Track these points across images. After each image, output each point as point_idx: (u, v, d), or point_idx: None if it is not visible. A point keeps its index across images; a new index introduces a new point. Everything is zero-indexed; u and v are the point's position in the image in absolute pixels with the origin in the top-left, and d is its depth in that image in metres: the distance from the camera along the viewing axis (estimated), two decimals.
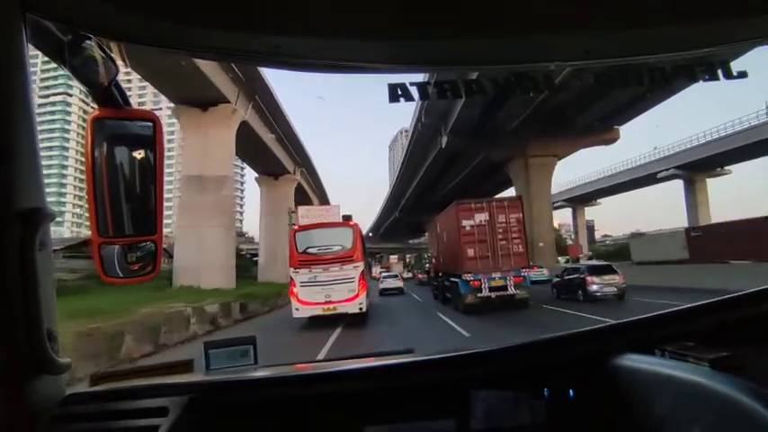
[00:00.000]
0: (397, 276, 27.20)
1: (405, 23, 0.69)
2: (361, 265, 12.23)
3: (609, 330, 1.01)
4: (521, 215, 13.76)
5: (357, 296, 11.88)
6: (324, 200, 63.76)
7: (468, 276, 12.98)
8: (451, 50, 0.75)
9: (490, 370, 0.97)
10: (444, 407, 0.92)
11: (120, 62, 0.84)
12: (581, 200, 58.94)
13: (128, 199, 0.82)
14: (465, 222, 13.68)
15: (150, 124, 0.82)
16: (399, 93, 0.76)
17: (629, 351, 0.86)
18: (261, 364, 1.21)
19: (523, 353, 1.01)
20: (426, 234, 60.31)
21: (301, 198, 54.17)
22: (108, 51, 0.80)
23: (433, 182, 43.00)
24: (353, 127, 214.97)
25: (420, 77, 0.79)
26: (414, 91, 0.76)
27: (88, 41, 0.75)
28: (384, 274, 28.47)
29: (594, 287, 13.87)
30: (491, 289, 13.02)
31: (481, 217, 13.74)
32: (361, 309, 11.81)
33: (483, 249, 13.43)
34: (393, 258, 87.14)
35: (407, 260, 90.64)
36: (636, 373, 0.82)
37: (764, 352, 0.79)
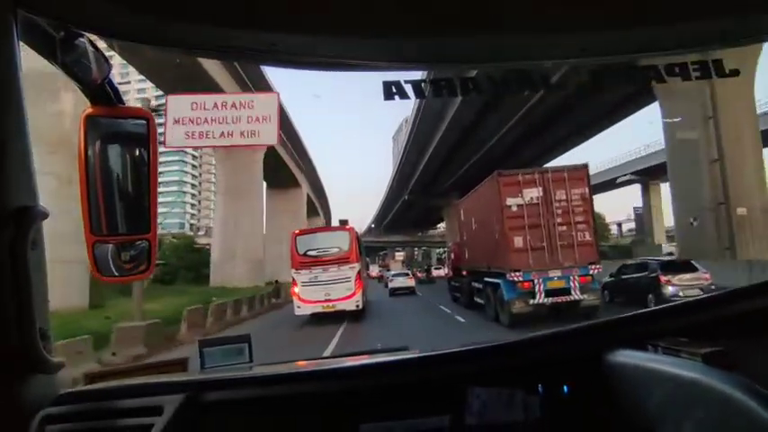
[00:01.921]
0: (407, 275, 27.06)
1: (402, 20, 0.74)
2: (357, 266, 14.04)
3: (602, 326, 1.08)
4: (586, 190, 11.03)
5: (354, 294, 13.60)
6: (313, 176, 56.45)
7: (516, 276, 10.50)
8: (448, 47, 0.80)
9: (484, 366, 1.04)
10: (439, 403, 0.99)
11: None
12: (658, 172, 39.80)
13: (121, 197, 0.87)
14: (510, 201, 11.00)
15: (144, 122, 0.87)
16: (394, 90, 0.80)
17: (622, 347, 0.92)
18: (256, 363, 1.28)
19: (517, 349, 1.07)
20: (444, 223, 53.17)
21: (279, 173, 45.06)
22: (100, 48, 0.84)
23: (467, 132, 29.92)
24: (353, 121, 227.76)
25: (415, 75, 0.83)
26: (408, 89, 0.80)
27: (80, 38, 0.80)
28: (393, 273, 28.72)
29: (672, 289, 11.57)
30: (548, 293, 10.36)
31: (532, 193, 10.95)
32: (357, 306, 13.58)
33: (536, 238, 10.67)
34: (399, 255, 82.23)
35: (415, 255, 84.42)
36: (629, 369, 0.87)
37: (756, 347, 0.85)
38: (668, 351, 0.86)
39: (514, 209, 10.70)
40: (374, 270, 47.18)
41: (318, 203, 67.18)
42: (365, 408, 1.00)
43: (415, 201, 49.74)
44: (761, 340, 0.86)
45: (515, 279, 10.24)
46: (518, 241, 10.54)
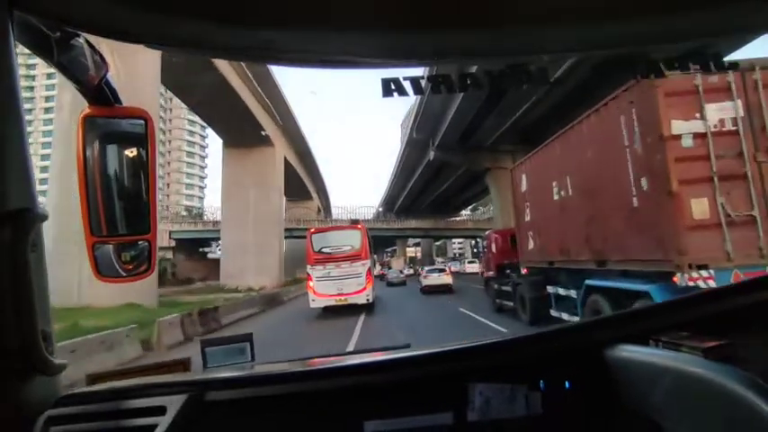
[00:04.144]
0: (444, 270, 25.86)
1: (400, 17, 0.75)
2: (368, 263, 15.85)
3: (604, 322, 1.12)
4: None
5: (365, 289, 15.23)
6: (297, 140, 44.08)
7: (700, 277, 5.21)
8: (447, 43, 0.81)
9: (486, 363, 1.07)
10: (442, 400, 1.03)
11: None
12: None
13: (121, 198, 0.90)
14: (680, 126, 5.55)
15: (142, 122, 0.90)
16: (393, 87, 0.81)
17: (623, 342, 0.95)
18: (258, 362, 1.34)
19: (519, 345, 1.11)
20: (491, 195, 35.59)
21: (237, 123, 32.24)
22: (98, 48, 0.88)
23: None
24: (358, 111, 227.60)
25: (414, 71, 0.84)
26: (407, 85, 0.81)
27: (77, 38, 0.82)
28: (427, 269, 27.55)
29: None
30: None
31: (723, 111, 5.51)
32: (368, 300, 15.29)
33: (736, 200, 5.38)
34: (410, 251, 73.05)
35: (431, 247, 73.60)
36: (631, 364, 0.90)
37: (757, 341, 0.87)
38: (669, 346, 0.89)
39: (688, 143, 5.52)
40: (377, 269, 45.00)
41: (311, 182, 55.63)
42: (369, 405, 1.03)
43: (445, 161, 34.38)
44: (762, 334, 0.89)
45: (697, 282, 5.10)
46: (698, 207, 5.43)
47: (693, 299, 1.06)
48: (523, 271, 11.17)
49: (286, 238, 43.61)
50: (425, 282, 24.48)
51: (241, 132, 33.88)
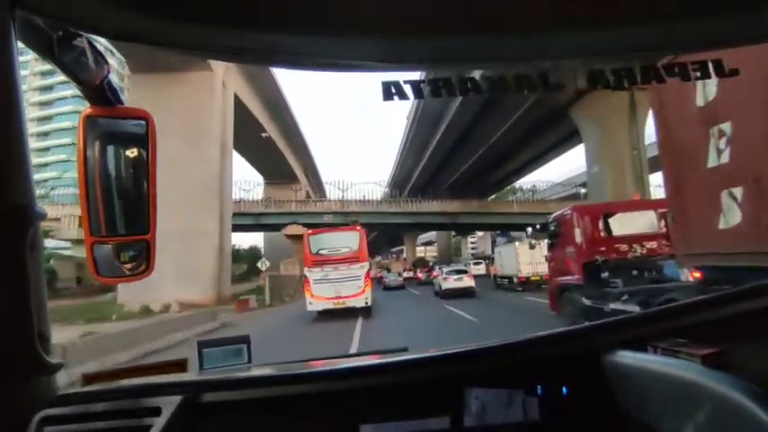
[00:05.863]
0: (466, 272, 23.24)
1: (401, 22, 0.77)
2: (366, 265, 16.04)
3: (602, 327, 1.12)
4: None
5: (363, 292, 15.32)
6: (263, 79, 33.21)
7: None
8: (448, 48, 0.83)
9: (484, 367, 1.09)
10: (439, 404, 1.04)
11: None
12: None
13: (120, 198, 0.92)
14: None
15: (143, 122, 0.92)
16: (393, 91, 0.83)
17: (621, 348, 0.97)
18: (254, 363, 1.35)
19: (517, 350, 1.13)
20: (584, 141, 25.56)
21: None
22: (99, 49, 0.90)
23: None
24: (359, 112, 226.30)
25: (414, 74, 0.86)
26: (408, 89, 0.83)
27: (79, 38, 0.85)
28: (446, 270, 24.42)
29: None
30: None
31: None
32: (366, 303, 15.35)
33: None
34: (419, 249, 66.24)
35: (449, 245, 62.89)
36: (628, 370, 0.92)
37: (755, 348, 0.89)
38: (667, 352, 0.90)
39: None
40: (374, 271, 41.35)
41: (293, 156, 46.59)
42: (365, 408, 1.04)
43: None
44: (758, 342, 0.91)
45: None
46: None
47: (691, 305, 1.09)
48: (691, 275, 6.35)
49: (251, 226, 37.61)
50: (445, 285, 21.57)
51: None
